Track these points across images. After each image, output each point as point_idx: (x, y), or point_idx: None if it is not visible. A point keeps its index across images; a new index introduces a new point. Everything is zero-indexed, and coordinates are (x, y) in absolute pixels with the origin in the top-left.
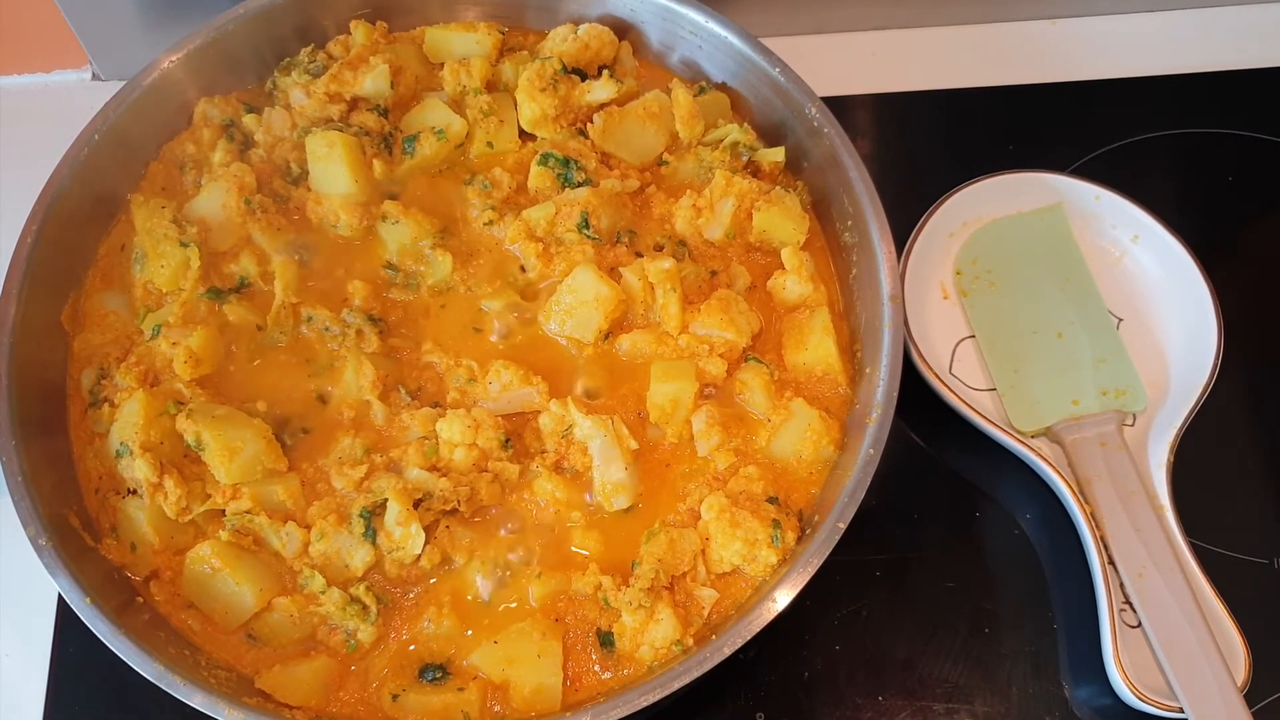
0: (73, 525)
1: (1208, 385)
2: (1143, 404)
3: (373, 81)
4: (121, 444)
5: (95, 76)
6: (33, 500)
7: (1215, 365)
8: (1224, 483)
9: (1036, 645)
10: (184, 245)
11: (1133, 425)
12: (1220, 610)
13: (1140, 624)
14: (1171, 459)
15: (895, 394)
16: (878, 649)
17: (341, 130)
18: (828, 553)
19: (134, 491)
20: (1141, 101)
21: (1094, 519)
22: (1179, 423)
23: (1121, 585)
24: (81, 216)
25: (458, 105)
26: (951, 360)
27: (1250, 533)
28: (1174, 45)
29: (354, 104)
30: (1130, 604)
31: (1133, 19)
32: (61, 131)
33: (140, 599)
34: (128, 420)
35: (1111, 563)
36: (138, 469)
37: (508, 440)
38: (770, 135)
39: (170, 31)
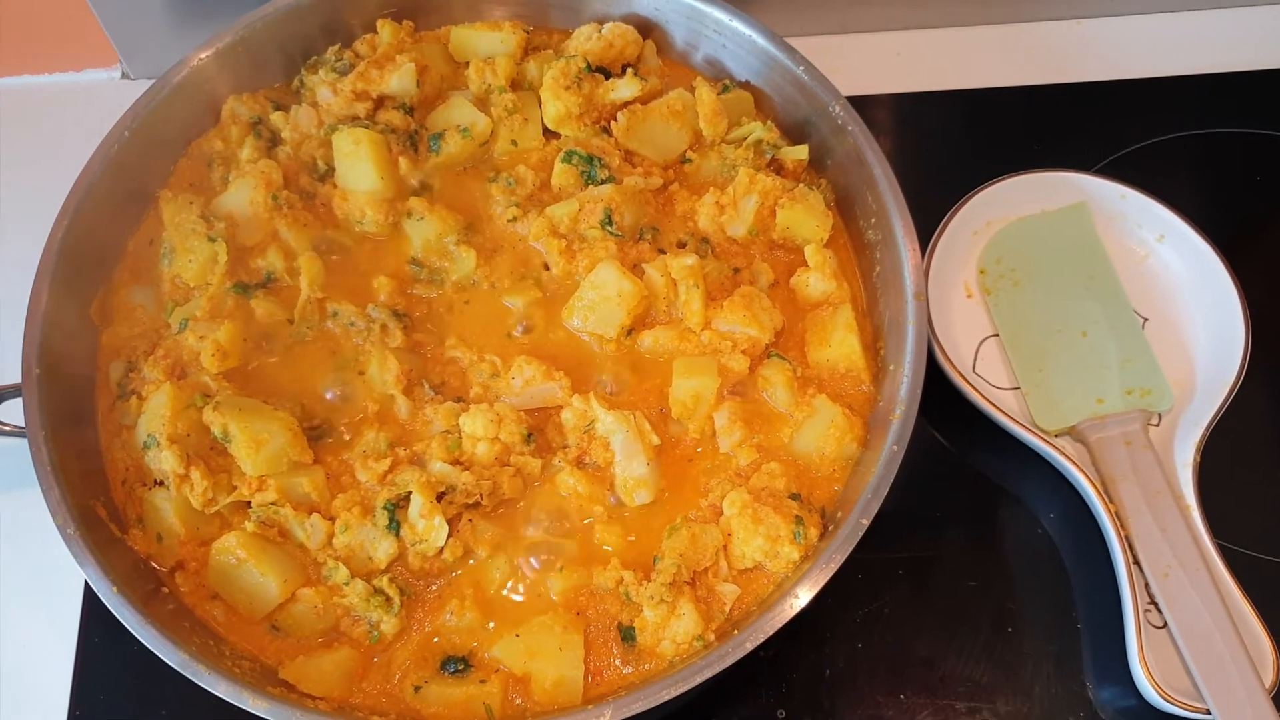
0: (100, 516)
1: (1235, 384)
2: (1168, 403)
3: (399, 80)
4: (149, 436)
5: (125, 75)
6: (61, 490)
7: (1243, 365)
8: (1252, 483)
9: (1059, 645)
10: (211, 240)
11: (1158, 425)
12: (1248, 611)
13: (1165, 624)
14: (1198, 459)
15: (919, 391)
16: (899, 647)
17: (368, 128)
18: (850, 549)
19: (160, 483)
20: (1167, 101)
21: (1119, 518)
22: (1206, 422)
23: (1146, 585)
24: (111, 212)
25: (482, 103)
26: (975, 359)
27: (1278, 534)
28: (1200, 45)
29: (380, 102)
30: (1155, 604)
31: (1158, 19)
32: (91, 129)
33: (165, 589)
34: (155, 412)
35: (1136, 562)
36: (165, 460)
37: (530, 435)
38: (794, 133)
39: (199, 31)
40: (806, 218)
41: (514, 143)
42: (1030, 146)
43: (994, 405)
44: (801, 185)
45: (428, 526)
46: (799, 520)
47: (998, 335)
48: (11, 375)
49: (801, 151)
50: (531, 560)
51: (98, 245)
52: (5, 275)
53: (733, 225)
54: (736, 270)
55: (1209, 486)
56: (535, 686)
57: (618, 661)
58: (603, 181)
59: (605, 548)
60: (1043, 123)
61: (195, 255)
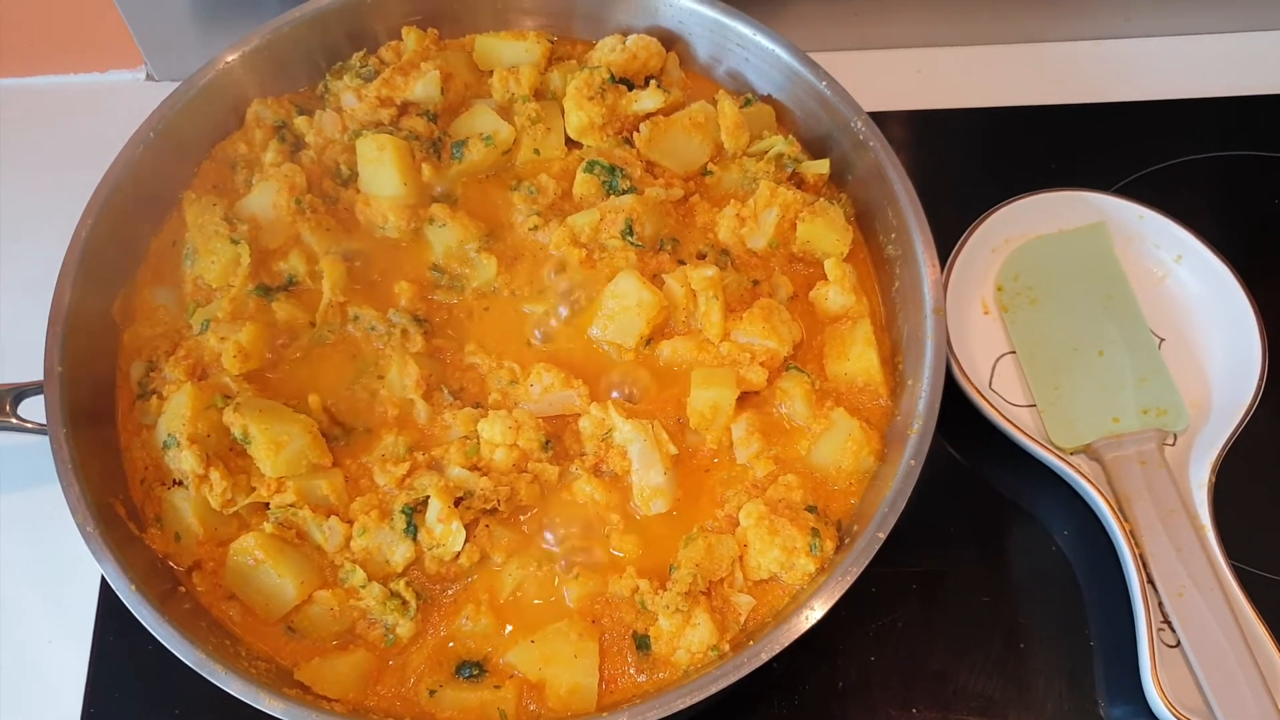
0: (118, 514)
1: (1251, 406)
2: (1184, 423)
3: (423, 87)
4: (169, 435)
5: (149, 77)
6: (81, 488)
7: (1259, 386)
8: (1267, 504)
9: (1072, 662)
10: (234, 242)
11: (1174, 444)
12: (1261, 632)
13: (1179, 643)
14: (1213, 479)
15: (937, 406)
16: (912, 661)
17: (392, 134)
18: (866, 562)
19: (179, 483)
20: (1186, 123)
21: (1133, 537)
22: (1221, 443)
23: (1160, 604)
24: (135, 212)
25: (506, 112)
26: (991, 375)
27: None
28: (1219, 68)
29: (404, 108)
30: (1169, 623)
31: (1177, 41)
32: (116, 130)
33: (182, 589)
34: (175, 412)
35: (1150, 581)
36: (184, 460)
37: (548, 442)
38: (815, 148)
39: (224, 34)
40: (827, 232)
41: (536, 151)
42: (1049, 166)
43: (1010, 422)
44: (822, 199)
45: (445, 531)
46: (815, 533)
47: (1014, 352)
48: (34, 373)
49: (822, 166)
50: (547, 566)
51: (121, 245)
52: (29, 274)
53: (753, 238)
54: (756, 282)
55: (1224, 507)
56: (550, 693)
57: (632, 669)
58: (624, 192)
59: (621, 556)
60: (1062, 142)
61: (218, 257)
